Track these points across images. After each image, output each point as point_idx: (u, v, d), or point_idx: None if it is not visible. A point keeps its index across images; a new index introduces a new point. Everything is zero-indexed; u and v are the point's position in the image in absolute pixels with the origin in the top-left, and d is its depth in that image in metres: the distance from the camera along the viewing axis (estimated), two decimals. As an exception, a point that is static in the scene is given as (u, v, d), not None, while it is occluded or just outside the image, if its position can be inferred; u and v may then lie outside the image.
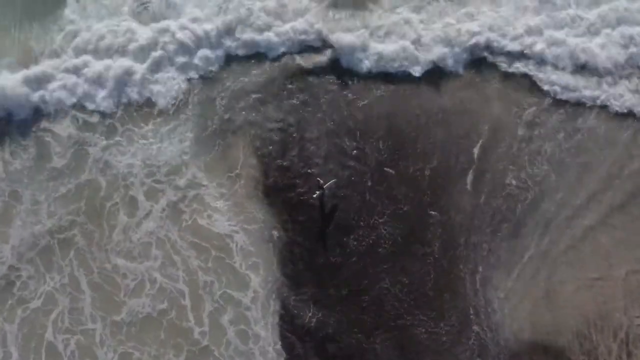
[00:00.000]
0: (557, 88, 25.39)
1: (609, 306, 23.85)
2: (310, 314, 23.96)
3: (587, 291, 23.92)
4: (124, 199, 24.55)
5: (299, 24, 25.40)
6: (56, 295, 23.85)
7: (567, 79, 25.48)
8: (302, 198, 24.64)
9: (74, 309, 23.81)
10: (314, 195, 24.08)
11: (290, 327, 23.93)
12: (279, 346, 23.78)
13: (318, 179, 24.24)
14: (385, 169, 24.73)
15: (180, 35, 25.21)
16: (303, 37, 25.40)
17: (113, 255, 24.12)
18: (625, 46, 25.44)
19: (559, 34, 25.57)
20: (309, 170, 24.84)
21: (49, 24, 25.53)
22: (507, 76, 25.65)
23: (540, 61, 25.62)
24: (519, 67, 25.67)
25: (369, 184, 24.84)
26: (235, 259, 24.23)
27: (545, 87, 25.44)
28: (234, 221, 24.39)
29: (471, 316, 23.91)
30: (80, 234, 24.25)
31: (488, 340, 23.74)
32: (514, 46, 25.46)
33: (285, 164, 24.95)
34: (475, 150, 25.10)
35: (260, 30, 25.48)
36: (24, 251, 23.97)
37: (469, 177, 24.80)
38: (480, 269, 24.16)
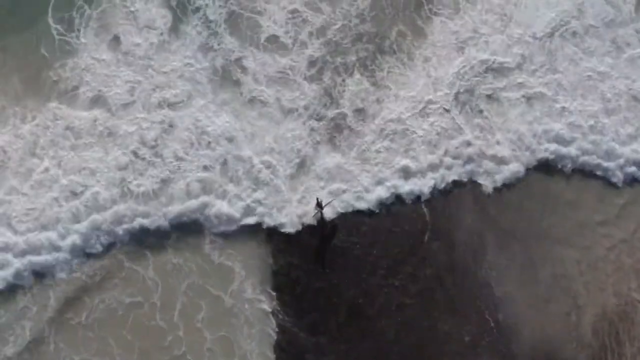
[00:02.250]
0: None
1: (628, 333, 22.94)
2: (312, 339, 22.23)
3: (606, 316, 23.07)
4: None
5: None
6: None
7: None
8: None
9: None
10: (313, 215, 22.31)
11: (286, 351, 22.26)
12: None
13: (317, 197, 22.40)
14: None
15: None
16: None
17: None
18: None
19: None
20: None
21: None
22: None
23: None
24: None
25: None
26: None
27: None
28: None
29: (486, 333, 22.68)
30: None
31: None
32: None
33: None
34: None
35: None
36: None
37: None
38: (496, 286, 22.92)
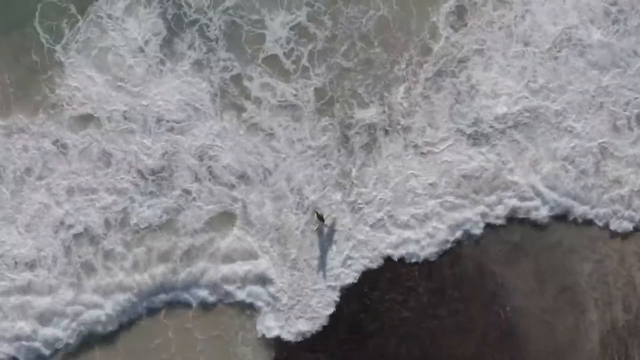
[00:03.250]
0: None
1: (638, 349, 22.53)
2: (311, 356, 21.80)
3: (615, 331, 22.62)
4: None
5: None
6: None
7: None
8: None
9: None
10: (314, 228, 21.77)
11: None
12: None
13: (316, 210, 21.82)
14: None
15: None
16: None
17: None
18: None
19: None
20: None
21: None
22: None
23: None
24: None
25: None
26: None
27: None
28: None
29: (491, 345, 22.29)
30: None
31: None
32: None
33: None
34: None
35: None
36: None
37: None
38: (503, 299, 22.45)
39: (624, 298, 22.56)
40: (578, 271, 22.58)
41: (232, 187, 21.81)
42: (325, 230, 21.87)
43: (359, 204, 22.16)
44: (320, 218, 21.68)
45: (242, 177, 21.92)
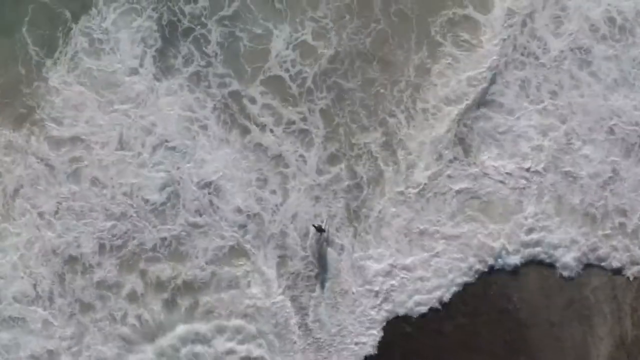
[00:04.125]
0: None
1: None
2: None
3: (624, 346, 22.24)
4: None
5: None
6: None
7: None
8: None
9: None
10: (316, 240, 21.67)
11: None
12: None
13: (313, 224, 21.59)
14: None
15: None
16: None
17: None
18: None
19: None
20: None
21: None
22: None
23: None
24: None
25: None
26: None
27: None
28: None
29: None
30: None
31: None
32: None
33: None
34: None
35: None
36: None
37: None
38: (510, 312, 22.13)
39: (633, 312, 22.19)
40: (586, 285, 22.26)
41: (240, 225, 21.44)
42: (325, 244, 21.72)
43: (367, 247, 21.86)
44: (319, 230, 21.43)
45: (248, 211, 21.61)
